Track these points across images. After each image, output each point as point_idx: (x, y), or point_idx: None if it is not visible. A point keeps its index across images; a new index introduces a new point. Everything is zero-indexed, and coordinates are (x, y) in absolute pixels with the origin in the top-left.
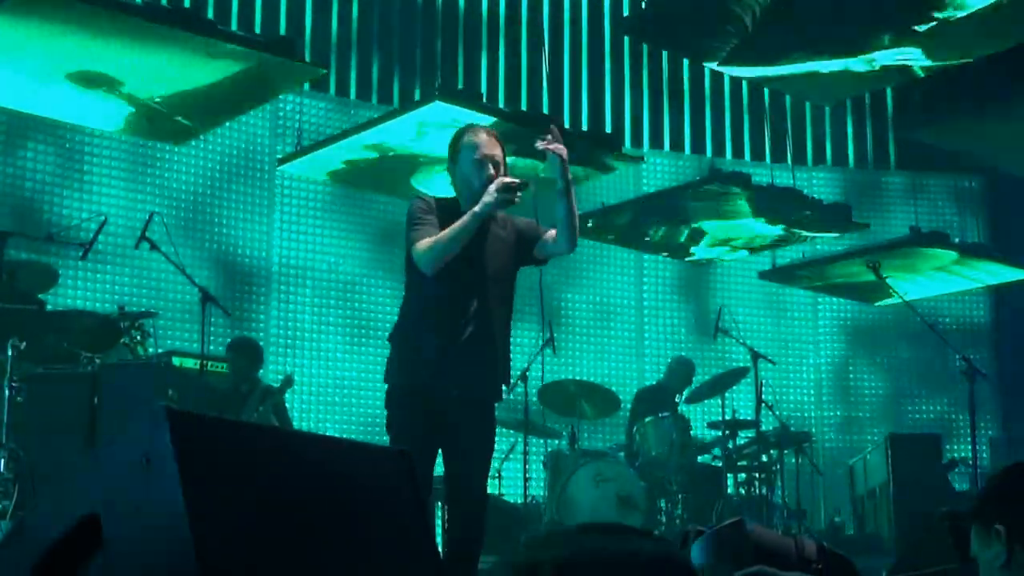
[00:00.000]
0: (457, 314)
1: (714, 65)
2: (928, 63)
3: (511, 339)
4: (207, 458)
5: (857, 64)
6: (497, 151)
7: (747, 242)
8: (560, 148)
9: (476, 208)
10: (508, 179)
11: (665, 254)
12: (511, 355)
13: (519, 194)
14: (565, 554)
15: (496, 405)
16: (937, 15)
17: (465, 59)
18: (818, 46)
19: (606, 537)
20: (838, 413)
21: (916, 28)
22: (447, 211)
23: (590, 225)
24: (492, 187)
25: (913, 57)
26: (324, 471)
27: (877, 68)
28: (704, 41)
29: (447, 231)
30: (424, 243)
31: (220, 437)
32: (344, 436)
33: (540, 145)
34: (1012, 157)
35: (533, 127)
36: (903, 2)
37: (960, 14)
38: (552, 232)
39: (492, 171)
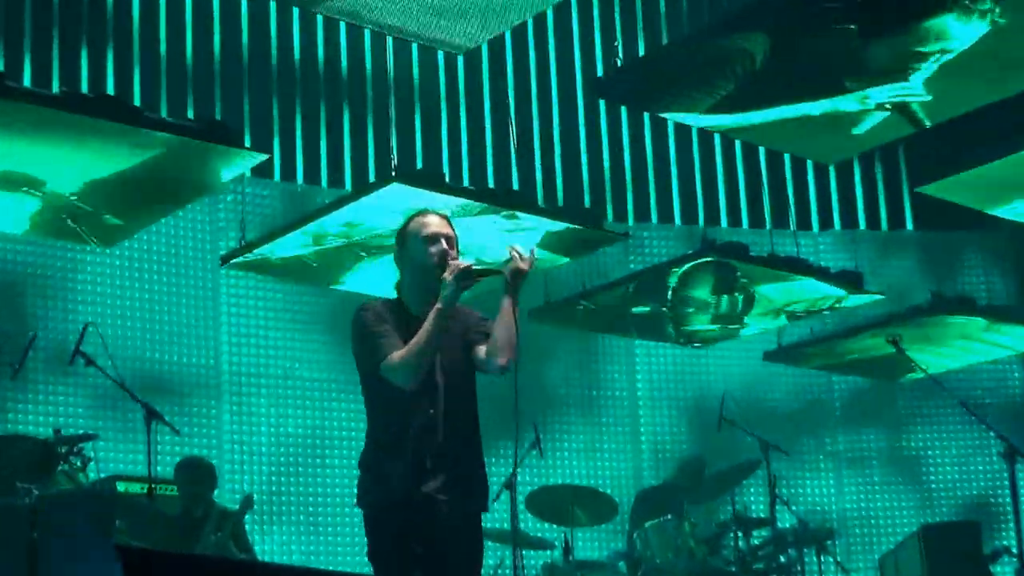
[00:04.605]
0: (426, 419)
1: (698, 122)
2: (927, 97)
3: (493, 445)
4: None
5: (848, 103)
6: (449, 231)
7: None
8: (524, 266)
9: (439, 304)
10: (463, 264)
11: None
12: (493, 461)
13: (477, 280)
14: None
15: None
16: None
17: (423, 135)
18: (804, 87)
19: None
20: (862, 504)
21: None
22: (395, 314)
23: (581, 307)
24: (447, 275)
25: (912, 91)
26: None
27: (871, 107)
28: (685, 97)
29: (416, 339)
30: (396, 357)
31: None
32: (312, 562)
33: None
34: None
35: (504, 205)
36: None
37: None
38: (483, 348)
39: (445, 245)
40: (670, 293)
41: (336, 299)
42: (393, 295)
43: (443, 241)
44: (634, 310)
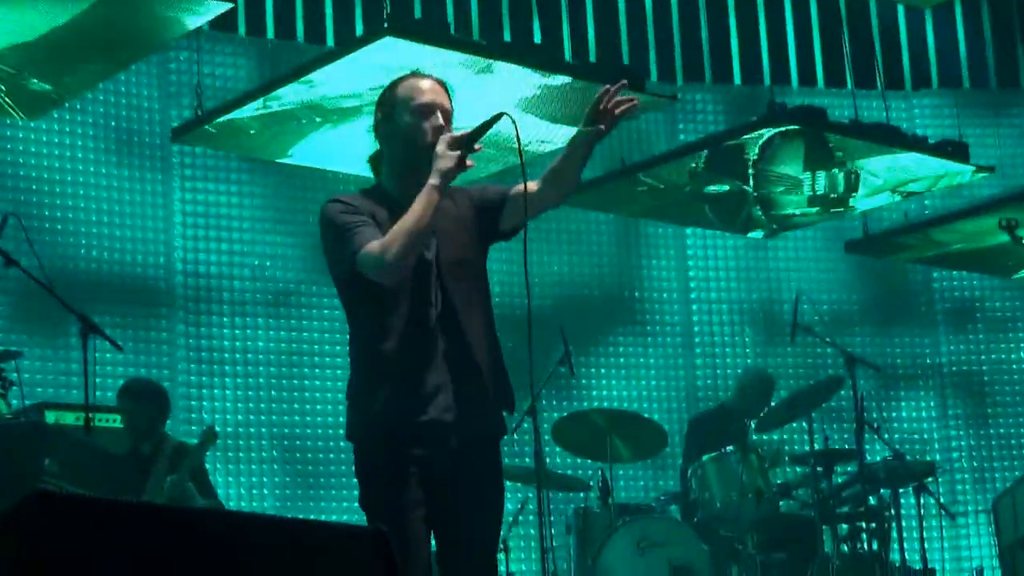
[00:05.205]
0: (425, 324)
1: None
2: None
3: (509, 360)
4: (106, 558)
5: None
6: (446, 101)
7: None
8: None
9: (433, 179)
10: (457, 133)
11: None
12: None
13: (478, 148)
14: None
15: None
16: None
17: None
18: None
19: None
20: (971, 432)
21: None
22: (376, 203)
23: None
24: (439, 147)
25: None
26: (265, 564)
27: None
28: None
29: (401, 221)
30: (373, 246)
31: (124, 527)
32: (286, 507)
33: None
34: None
35: (524, 62)
36: None
37: None
38: (530, 184)
39: (442, 121)
40: (751, 168)
41: (317, 179)
42: (362, 171)
43: (439, 115)
44: (708, 190)
